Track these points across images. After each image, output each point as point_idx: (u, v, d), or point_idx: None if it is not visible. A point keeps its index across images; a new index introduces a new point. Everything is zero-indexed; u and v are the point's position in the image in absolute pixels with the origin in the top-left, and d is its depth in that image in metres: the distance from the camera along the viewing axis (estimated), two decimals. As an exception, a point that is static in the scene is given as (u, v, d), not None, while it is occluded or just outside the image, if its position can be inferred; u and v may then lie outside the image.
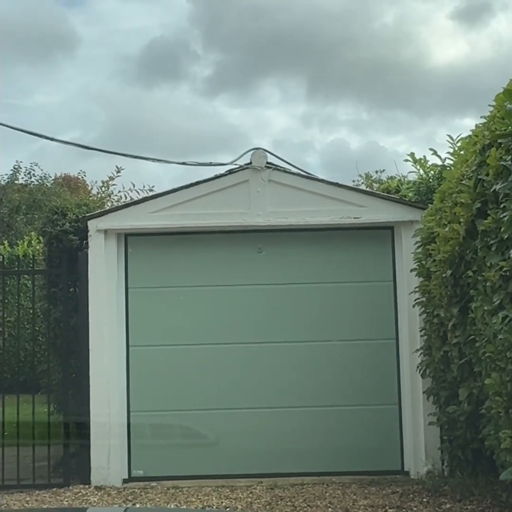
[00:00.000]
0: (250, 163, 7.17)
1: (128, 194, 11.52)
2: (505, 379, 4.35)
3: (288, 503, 6.15)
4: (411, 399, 6.95)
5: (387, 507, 5.93)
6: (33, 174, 20.18)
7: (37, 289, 8.05)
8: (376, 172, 15.32)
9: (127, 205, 7.49)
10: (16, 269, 10.04)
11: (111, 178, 12.07)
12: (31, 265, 8.68)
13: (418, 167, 7.52)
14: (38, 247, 11.33)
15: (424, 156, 7.48)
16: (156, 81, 42.13)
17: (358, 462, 7.04)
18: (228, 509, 6.05)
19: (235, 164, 7.28)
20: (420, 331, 6.59)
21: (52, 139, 7.91)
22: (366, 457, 7.06)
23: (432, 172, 7.39)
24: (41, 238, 9.23)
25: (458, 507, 5.72)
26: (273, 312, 7.24)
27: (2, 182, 19.98)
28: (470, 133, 5.52)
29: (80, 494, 6.62)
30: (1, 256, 9.71)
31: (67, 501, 6.42)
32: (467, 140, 5.91)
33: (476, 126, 5.32)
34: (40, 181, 20.15)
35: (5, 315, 10.87)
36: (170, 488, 6.70)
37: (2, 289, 9.11)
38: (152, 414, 7.12)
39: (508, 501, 5.52)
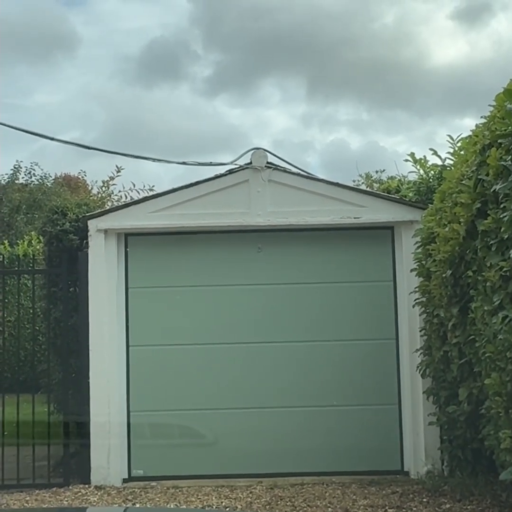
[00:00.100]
0: (250, 163, 7.17)
1: (128, 194, 11.51)
2: (505, 379, 4.35)
3: (288, 503, 6.15)
4: (411, 399, 6.95)
5: (387, 507, 5.93)
6: (33, 174, 20.22)
7: (37, 289, 8.05)
8: (376, 172, 15.30)
9: (127, 205, 7.49)
10: (16, 268, 10.05)
11: (111, 178, 12.06)
12: (31, 265, 8.67)
13: (418, 167, 7.52)
14: (38, 247, 11.33)
15: (424, 156, 7.49)
16: (156, 81, 42.19)
17: (358, 462, 7.04)
18: (228, 509, 6.05)
19: (235, 164, 7.28)
20: (420, 331, 6.59)
21: (52, 139, 7.91)
22: (366, 457, 7.06)
23: (432, 172, 7.39)
24: (41, 237, 9.23)
25: (458, 507, 5.72)
26: (273, 312, 7.23)
27: (3, 182, 20.00)
28: (470, 133, 5.52)
29: (80, 493, 6.62)
30: (1, 256, 9.72)
31: (67, 500, 6.42)
32: (467, 140, 5.91)
33: (476, 126, 5.32)
34: (40, 180, 20.16)
35: (5, 315, 10.87)
36: (170, 488, 6.70)
37: (2, 288, 9.11)
38: (152, 414, 7.12)
39: (508, 501, 5.52)
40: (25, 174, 20.15)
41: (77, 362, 7.11)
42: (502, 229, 4.19)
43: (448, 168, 6.73)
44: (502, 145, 4.32)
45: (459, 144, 6.63)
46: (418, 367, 6.53)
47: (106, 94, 38.38)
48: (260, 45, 34.91)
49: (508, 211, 4.09)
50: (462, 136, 6.56)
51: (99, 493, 6.61)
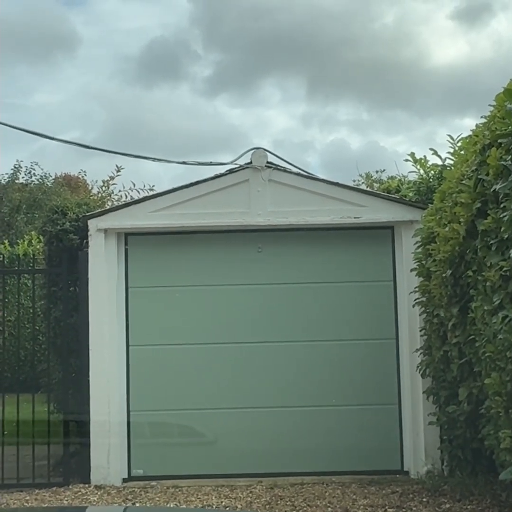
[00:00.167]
0: (250, 162, 7.17)
1: (129, 193, 11.56)
2: (505, 379, 4.35)
3: (287, 503, 6.15)
4: (411, 399, 6.95)
5: (386, 507, 5.93)
6: (34, 174, 20.20)
7: (37, 288, 8.05)
8: (377, 172, 15.34)
9: (127, 205, 7.50)
10: (17, 268, 10.06)
11: (111, 178, 12.10)
12: (31, 264, 8.67)
13: (418, 167, 7.52)
14: (38, 246, 11.34)
15: (424, 156, 7.49)
16: (156, 81, 42.18)
17: (358, 462, 7.04)
18: (227, 508, 6.05)
19: (235, 164, 7.28)
20: (420, 331, 6.59)
21: (52, 139, 7.93)
22: (366, 457, 7.06)
23: (432, 172, 7.39)
24: (41, 237, 9.23)
25: (458, 507, 5.72)
26: (273, 312, 7.23)
27: (3, 182, 19.99)
28: (470, 133, 5.52)
29: (80, 493, 6.63)
30: (2, 255, 9.73)
31: (67, 500, 6.42)
32: (467, 140, 5.91)
33: (476, 126, 5.32)
34: (40, 180, 20.15)
35: (5, 314, 10.87)
36: (170, 488, 6.70)
37: (2, 288, 9.11)
38: (152, 413, 7.12)
39: (508, 500, 5.52)
40: (25, 174, 20.17)
41: (77, 361, 7.11)
42: (502, 229, 4.19)
43: (448, 168, 6.73)
44: (502, 145, 4.32)
45: (459, 144, 6.63)
46: (418, 367, 6.53)
47: (106, 94, 38.41)
48: (260, 45, 34.95)
49: (508, 211, 4.09)
50: (462, 136, 6.57)
51: (99, 493, 6.61)
